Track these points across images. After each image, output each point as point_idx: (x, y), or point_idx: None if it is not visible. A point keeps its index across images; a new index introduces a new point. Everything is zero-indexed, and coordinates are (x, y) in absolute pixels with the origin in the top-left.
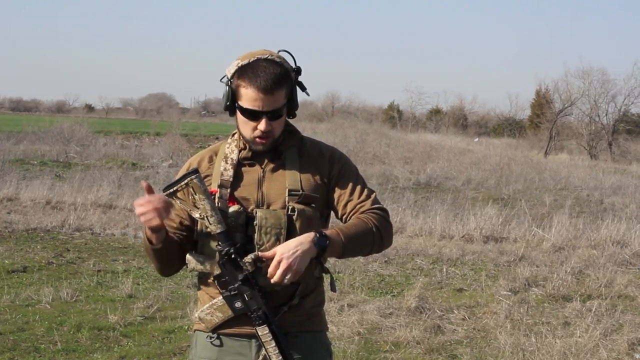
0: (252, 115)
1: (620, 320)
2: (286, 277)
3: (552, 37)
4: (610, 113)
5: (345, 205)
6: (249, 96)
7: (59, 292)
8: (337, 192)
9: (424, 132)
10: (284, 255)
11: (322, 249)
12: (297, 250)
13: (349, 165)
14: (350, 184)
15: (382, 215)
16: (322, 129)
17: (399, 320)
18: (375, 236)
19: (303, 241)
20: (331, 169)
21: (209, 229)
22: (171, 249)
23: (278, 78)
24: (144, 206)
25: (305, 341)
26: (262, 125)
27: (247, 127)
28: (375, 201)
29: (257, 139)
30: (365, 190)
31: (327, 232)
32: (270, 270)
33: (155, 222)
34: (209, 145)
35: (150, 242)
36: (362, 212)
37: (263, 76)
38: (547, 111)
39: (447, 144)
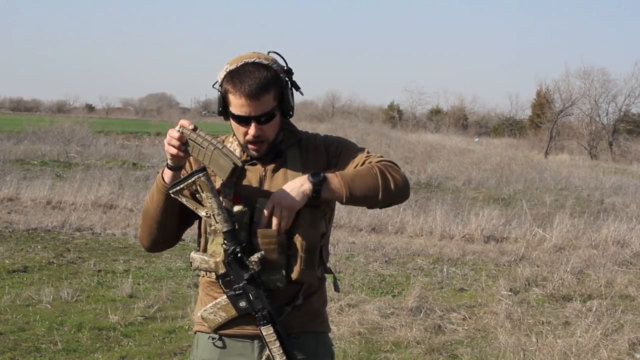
0: (241, 120)
1: (620, 320)
2: (283, 218)
3: (552, 37)
4: (611, 113)
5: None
6: (236, 102)
7: (59, 292)
8: (341, 166)
9: (424, 132)
10: (274, 199)
11: (317, 184)
12: (289, 194)
13: (344, 141)
14: (351, 154)
15: (387, 162)
16: (322, 129)
17: (400, 320)
18: (380, 177)
19: (294, 182)
20: (328, 154)
21: (214, 228)
22: (173, 206)
23: (264, 82)
24: (178, 138)
25: (308, 342)
26: (251, 130)
27: (239, 133)
28: (382, 156)
29: (249, 145)
30: (367, 152)
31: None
32: (268, 218)
33: (182, 153)
34: None
35: (163, 181)
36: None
37: (247, 82)
38: (547, 111)
39: (447, 144)
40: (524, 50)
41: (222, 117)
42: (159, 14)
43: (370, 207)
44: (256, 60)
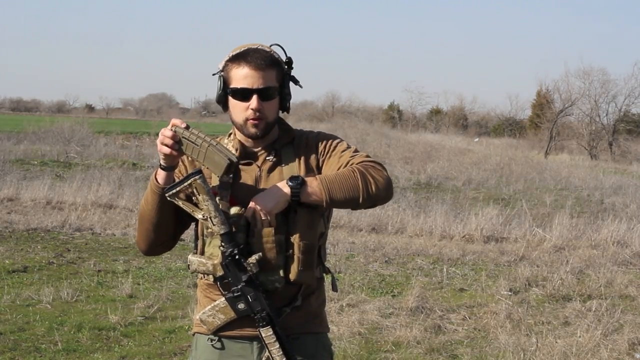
0: (243, 94)
1: (620, 320)
2: (264, 222)
3: (552, 37)
4: (611, 113)
5: (337, 170)
6: (239, 75)
7: (59, 292)
8: (327, 164)
9: (424, 132)
10: (253, 203)
11: (294, 189)
12: (266, 195)
13: (333, 138)
14: (338, 152)
15: (372, 163)
16: (322, 129)
17: (400, 320)
18: (360, 180)
19: (274, 186)
20: (317, 152)
21: (211, 230)
22: (169, 206)
23: (268, 59)
24: (171, 137)
25: (307, 343)
26: (253, 103)
27: (238, 110)
28: (368, 156)
29: (249, 121)
30: (354, 150)
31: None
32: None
33: (175, 152)
34: None
35: (157, 182)
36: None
37: (253, 55)
38: (547, 111)
39: (447, 144)
40: (523, 50)
41: (221, 118)
42: (160, 14)
43: (352, 209)
44: (259, 47)
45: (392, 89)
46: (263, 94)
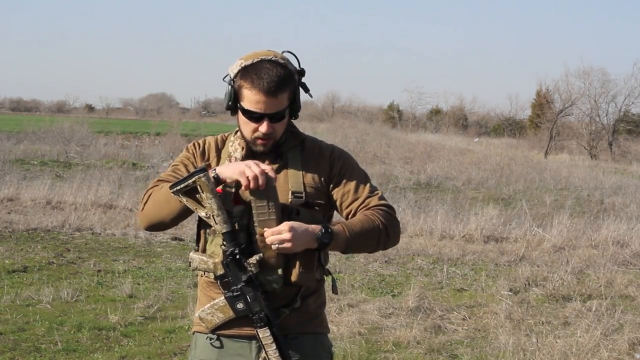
0: (254, 117)
1: (620, 320)
2: (276, 246)
3: (552, 37)
4: (611, 113)
5: (350, 203)
6: (251, 98)
7: (59, 292)
8: (341, 190)
9: (424, 132)
10: (292, 228)
11: (322, 244)
12: (302, 235)
13: (350, 162)
14: (354, 182)
15: (389, 212)
16: (322, 129)
17: (400, 320)
18: (381, 233)
19: (309, 231)
20: (332, 168)
21: (213, 228)
22: (189, 212)
23: (281, 81)
24: (258, 172)
25: (306, 343)
26: (263, 127)
27: (248, 128)
28: (382, 198)
29: (257, 140)
30: (370, 187)
31: (334, 227)
32: (270, 230)
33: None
34: None
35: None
36: (369, 209)
37: (266, 78)
38: (547, 111)
39: (447, 144)
40: (523, 50)
41: (221, 118)
42: (160, 14)
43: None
44: (272, 58)
45: (392, 89)
46: (274, 118)
